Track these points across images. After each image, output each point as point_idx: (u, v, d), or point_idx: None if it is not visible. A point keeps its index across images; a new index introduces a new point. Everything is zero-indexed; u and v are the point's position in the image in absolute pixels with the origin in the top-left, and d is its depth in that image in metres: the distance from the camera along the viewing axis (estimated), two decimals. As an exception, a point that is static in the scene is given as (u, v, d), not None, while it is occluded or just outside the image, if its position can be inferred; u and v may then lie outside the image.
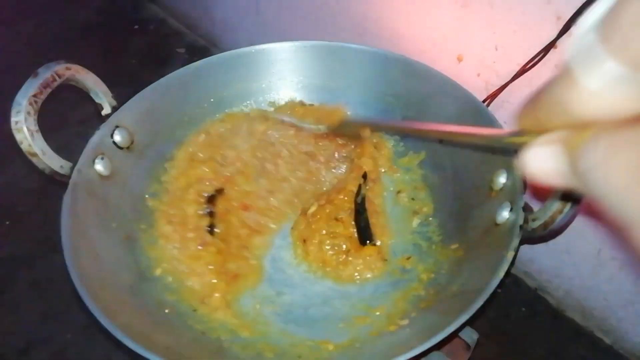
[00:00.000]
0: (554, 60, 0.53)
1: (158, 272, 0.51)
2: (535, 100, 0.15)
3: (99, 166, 0.51)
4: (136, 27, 1.18)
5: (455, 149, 0.56)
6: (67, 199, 0.47)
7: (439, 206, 0.57)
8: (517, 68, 0.56)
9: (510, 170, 0.47)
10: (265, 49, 0.62)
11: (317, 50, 0.62)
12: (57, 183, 0.49)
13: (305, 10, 0.81)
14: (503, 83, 0.58)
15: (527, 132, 0.16)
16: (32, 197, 0.84)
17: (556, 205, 0.40)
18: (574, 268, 0.63)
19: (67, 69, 0.50)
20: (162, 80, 0.57)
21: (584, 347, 0.64)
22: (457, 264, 0.49)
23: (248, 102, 0.63)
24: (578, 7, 0.48)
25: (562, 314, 0.67)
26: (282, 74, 0.63)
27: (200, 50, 1.10)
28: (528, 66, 0.54)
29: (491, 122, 0.50)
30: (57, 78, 0.49)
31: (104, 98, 0.54)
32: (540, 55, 0.53)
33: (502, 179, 0.48)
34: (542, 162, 0.15)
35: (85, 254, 0.45)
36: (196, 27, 1.13)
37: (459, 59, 0.63)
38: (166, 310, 0.48)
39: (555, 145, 0.15)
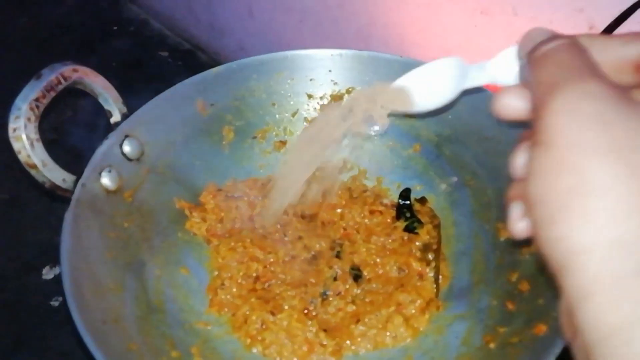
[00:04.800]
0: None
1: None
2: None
3: (105, 180, 0.46)
4: (115, 28, 1.09)
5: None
6: (68, 217, 0.42)
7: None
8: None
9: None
10: (289, 56, 0.57)
11: (346, 59, 0.57)
12: (56, 196, 0.43)
13: (305, 13, 0.75)
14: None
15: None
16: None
17: None
18: None
19: (74, 70, 0.45)
20: (178, 86, 0.52)
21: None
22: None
23: (269, 112, 0.58)
24: (615, 17, 0.44)
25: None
26: (304, 83, 0.58)
27: (185, 54, 1.01)
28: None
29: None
30: (62, 81, 0.43)
31: (113, 104, 0.49)
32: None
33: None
34: (508, 99, 0.26)
35: (87, 282, 0.40)
36: (180, 30, 1.05)
37: (477, 71, 0.58)
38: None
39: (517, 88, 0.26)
